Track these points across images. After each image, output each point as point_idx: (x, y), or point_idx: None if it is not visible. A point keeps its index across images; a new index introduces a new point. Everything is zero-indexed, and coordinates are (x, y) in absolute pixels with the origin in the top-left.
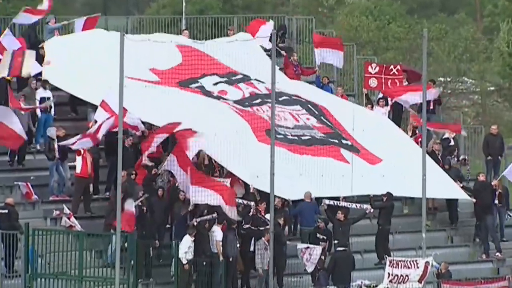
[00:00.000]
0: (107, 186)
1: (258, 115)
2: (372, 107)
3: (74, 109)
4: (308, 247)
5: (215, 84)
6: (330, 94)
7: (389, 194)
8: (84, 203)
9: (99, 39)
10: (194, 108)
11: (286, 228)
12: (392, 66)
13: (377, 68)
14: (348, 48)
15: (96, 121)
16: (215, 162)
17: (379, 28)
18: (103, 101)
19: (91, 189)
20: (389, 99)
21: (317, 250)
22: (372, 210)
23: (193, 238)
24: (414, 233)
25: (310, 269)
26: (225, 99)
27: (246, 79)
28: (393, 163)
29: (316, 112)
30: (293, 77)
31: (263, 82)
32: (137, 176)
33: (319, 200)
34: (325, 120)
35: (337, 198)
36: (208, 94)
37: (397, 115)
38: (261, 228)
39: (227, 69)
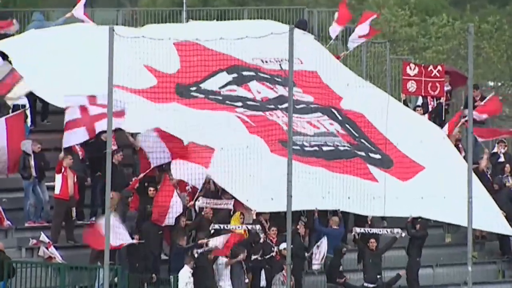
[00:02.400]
0: (92, 210)
1: (270, 120)
2: None
3: (45, 117)
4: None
5: (221, 87)
6: (367, 83)
7: (423, 223)
8: (66, 230)
9: (82, 36)
10: (195, 119)
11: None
12: (432, 67)
13: (416, 69)
14: (379, 47)
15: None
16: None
17: (416, 23)
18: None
19: (74, 213)
20: (429, 106)
21: (323, 243)
22: (403, 234)
23: (191, 270)
24: (458, 266)
25: (316, 266)
26: (232, 97)
27: (258, 77)
28: (435, 174)
29: (340, 118)
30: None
31: (279, 81)
32: (132, 199)
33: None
34: (350, 128)
35: (364, 219)
36: (211, 94)
37: (437, 125)
38: (267, 257)
39: (236, 61)
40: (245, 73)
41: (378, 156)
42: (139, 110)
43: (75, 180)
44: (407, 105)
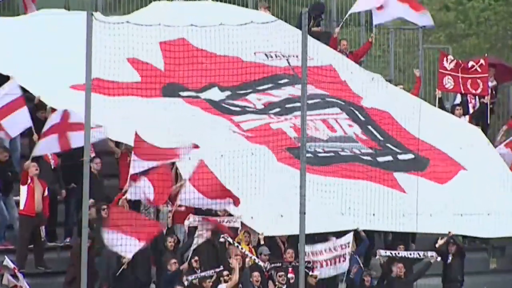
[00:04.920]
0: (66, 229)
1: (275, 128)
2: None
3: None
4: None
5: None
6: (390, 85)
7: (458, 247)
8: (35, 254)
9: (55, 23)
10: (186, 120)
11: None
12: (473, 62)
13: (453, 63)
14: (410, 34)
15: None
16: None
17: (452, 8)
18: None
19: (43, 233)
20: (470, 105)
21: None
22: (439, 258)
23: None
24: None
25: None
26: (228, 104)
27: (256, 90)
28: (478, 184)
29: (362, 118)
30: None
31: (285, 82)
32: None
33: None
34: (373, 131)
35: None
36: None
37: (481, 129)
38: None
39: (232, 63)
40: (240, 91)
41: (410, 156)
42: (122, 111)
43: (45, 193)
44: (443, 104)
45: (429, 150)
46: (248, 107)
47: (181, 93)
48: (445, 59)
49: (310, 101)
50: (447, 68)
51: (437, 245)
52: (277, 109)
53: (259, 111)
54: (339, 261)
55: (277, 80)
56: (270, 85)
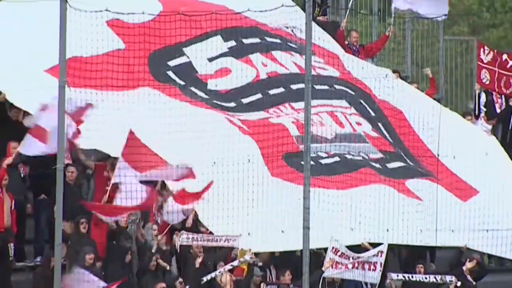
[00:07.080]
0: (36, 247)
1: (276, 123)
2: (476, 118)
3: None
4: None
5: (211, 59)
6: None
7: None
8: (1, 275)
9: (25, 13)
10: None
11: None
12: (507, 56)
13: (490, 55)
14: (431, 24)
15: None
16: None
17: None
18: None
19: (11, 251)
20: (496, 105)
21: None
22: (459, 284)
23: None
24: None
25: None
26: (222, 96)
27: (263, 46)
28: (493, 200)
29: (372, 114)
30: None
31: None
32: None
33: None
34: (384, 131)
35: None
36: (193, 82)
37: (509, 134)
38: None
39: (238, 21)
40: (246, 40)
41: (419, 169)
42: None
43: (12, 206)
44: (479, 102)
45: (440, 168)
46: (244, 86)
47: (170, 63)
48: (482, 49)
49: (316, 87)
50: (484, 60)
51: (464, 268)
52: (281, 89)
53: (257, 103)
54: (369, 269)
55: (285, 41)
56: (278, 41)
